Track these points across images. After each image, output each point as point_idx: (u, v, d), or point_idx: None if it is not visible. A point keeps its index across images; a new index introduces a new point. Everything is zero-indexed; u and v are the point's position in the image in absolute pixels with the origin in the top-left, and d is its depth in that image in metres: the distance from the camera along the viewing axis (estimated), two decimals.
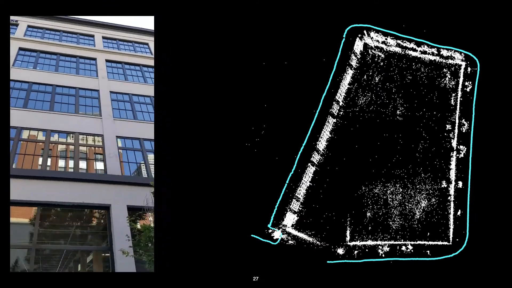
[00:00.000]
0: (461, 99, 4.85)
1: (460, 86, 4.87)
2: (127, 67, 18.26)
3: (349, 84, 4.59)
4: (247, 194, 4.26)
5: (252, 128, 4.39)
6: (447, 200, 4.69)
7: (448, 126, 4.80)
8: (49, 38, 18.84)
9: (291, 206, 4.30)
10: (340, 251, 4.35)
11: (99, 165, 12.67)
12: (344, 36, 4.63)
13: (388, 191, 4.58)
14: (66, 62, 17.39)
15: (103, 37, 19.94)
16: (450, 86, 4.87)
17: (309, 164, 4.38)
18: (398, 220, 4.57)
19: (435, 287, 4.44)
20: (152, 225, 8.20)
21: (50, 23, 19.64)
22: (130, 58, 18.76)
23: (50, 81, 15.59)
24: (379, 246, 4.45)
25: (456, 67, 4.89)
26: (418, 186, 4.65)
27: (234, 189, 4.27)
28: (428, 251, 4.53)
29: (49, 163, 12.53)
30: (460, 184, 4.71)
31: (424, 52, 4.81)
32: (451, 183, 4.71)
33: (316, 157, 4.40)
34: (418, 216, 4.62)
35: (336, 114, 4.50)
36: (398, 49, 4.76)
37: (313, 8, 4.66)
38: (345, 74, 4.58)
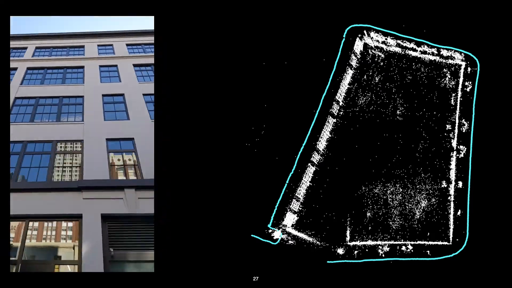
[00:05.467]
0: (461, 99, 4.85)
1: (460, 86, 4.88)
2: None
3: (349, 84, 4.59)
4: (247, 194, 4.26)
5: (252, 128, 4.39)
6: (447, 200, 4.69)
7: (448, 126, 4.80)
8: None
9: (291, 206, 4.30)
10: (340, 251, 4.35)
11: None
12: (344, 36, 4.63)
13: (388, 191, 4.58)
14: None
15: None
16: (450, 86, 4.87)
17: (309, 164, 4.38)
18: (398, 220, 4.57)
19: (435, 287, 4.45)
20: None
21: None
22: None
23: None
24: (379, 246, 4.46)
25: (456, 67, 4.89)
26: (418, 186, 4.65)
27: (234, 189, 4.27)
28: (428, 251, 4.53)
29: None
30: (460, 184, 4.71)
31: (424, 52, 4.81)
32: (451, 183, 4.72)
33: (316, 157, 4.40)
34: (418, 216, 4.62)
35: (336, 114, 4.51)
36: (398, 49, 4.76)
37: (313, 8, 4.67)
38: (345, 74, 4.58)
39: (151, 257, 7.29)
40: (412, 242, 4.54)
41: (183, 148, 4.36)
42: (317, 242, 4.31)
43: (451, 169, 4.74)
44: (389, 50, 4.74)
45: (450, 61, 4.88)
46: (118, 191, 9.57)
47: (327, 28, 4.62)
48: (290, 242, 4.28)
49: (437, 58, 4.85)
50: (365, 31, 4.69)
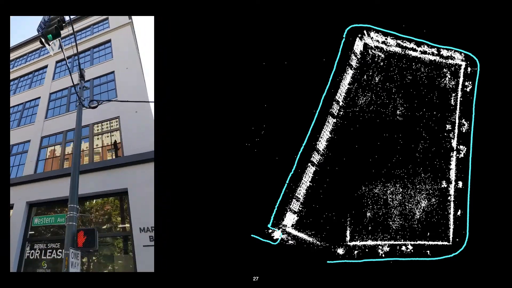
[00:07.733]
0: (461, 99, 4.85)
1: (460, 86, 4.87)
2: None
3: (349, 84, 4.59)
4: (247, 194, 4.26)
5: (252, 128, 4.39)
6: (447, 200, 4.69)
7: (448, 126, 4.80)
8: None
9: (291, 206, 4.30)
10: (340, 251, 4.35)
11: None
12: (344, 36, 4.63)
13: (388, 191, 4.58)
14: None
15: None
16: (450, 86, 4.87)
17: (309, 164, 4.38)
18: (398, 220, 4.57)
19: (435, 287, 4.44)
20: None
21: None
22: None
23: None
24: (379, 246, 4.45)
25: (456, 67, 4.89)
26: (418, 186, 4.65)
27: (234, 189, 4.27)
28: (428, 251, 4.53)
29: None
30: (460, 184, 4.71)
31: (424, 52, 4.81)
32: (451, 183, 4.71)
33: (316, 157, 4.40)
34: (418, 216, 4.62)
35: (336, 114, 4.51)
36: (398, 49, 4.76)
37: (313, 8, 4.66)
38: (345, 74, 4.58)
39: None
40: (412, 242, 4.54)
41: (183, 148, 4.36)
42: (317, 242, 4.31)
43: (451, 169, 4.74)
44: (389, 50, 4.74)
45: (450, 61, 4.88)
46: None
47: (327, 28, 4.62)
48: (290, 242, 4.27)
49: (437, 58, 4.84)
50: (365, 31, 4.69)
